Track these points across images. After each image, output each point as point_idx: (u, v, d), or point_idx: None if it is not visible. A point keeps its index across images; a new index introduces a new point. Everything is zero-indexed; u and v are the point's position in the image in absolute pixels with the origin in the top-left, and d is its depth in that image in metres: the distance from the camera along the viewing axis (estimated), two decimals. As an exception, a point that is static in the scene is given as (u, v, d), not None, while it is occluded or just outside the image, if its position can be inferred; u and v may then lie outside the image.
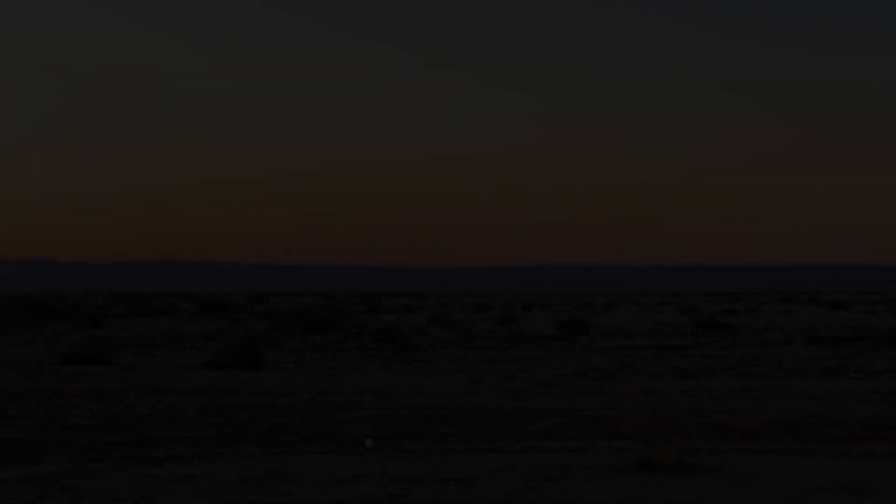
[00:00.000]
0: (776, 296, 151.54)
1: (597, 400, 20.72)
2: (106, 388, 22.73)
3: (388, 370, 28.12)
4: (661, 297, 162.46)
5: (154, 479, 12.28)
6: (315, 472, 12.77)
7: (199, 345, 38.24)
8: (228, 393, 21.98)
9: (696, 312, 61.71)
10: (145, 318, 71.33)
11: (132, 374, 26.35)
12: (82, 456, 13.85)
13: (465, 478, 12.46)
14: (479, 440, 15.46)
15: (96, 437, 15.54)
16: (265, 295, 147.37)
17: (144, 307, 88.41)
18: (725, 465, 13.19)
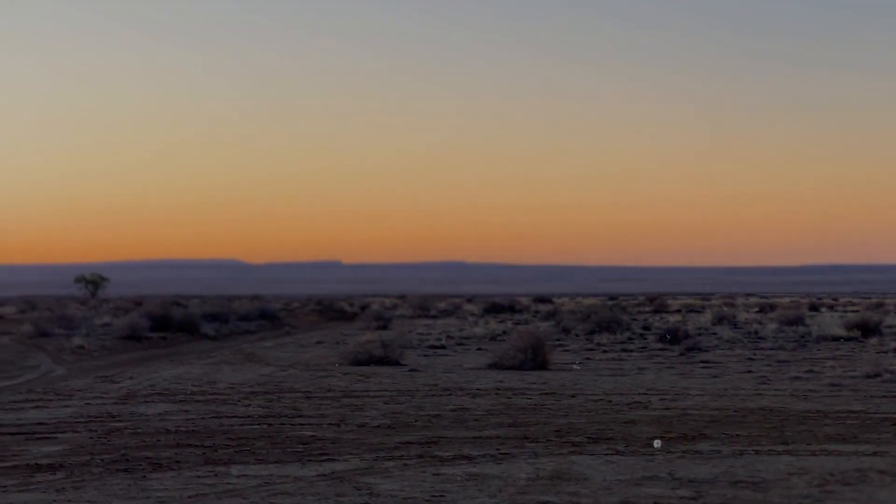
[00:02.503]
0: None
1: (892, 403, 20.10)
2: (395, 389, 23.15)
3: (675, 371, 27.86)
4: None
5: (445, 478, 12.46)
6: (603, 473, 12.74)
7: (485, 346, 38.59)
8: (515, 393, 22.12)
9: None
10: (432, 320, 72.42)
11: (420, 375, 26.76)
12: (374, 454, 14.14)
13: (757, 480, 12.25)
14: (769, 442, 15.18)
15: (387, 437, 15.85)
16: (549, 296, 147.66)
17: (431, 309, 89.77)
18: None
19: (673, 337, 39.66)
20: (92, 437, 15.76)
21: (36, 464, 13.42)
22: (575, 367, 29.31)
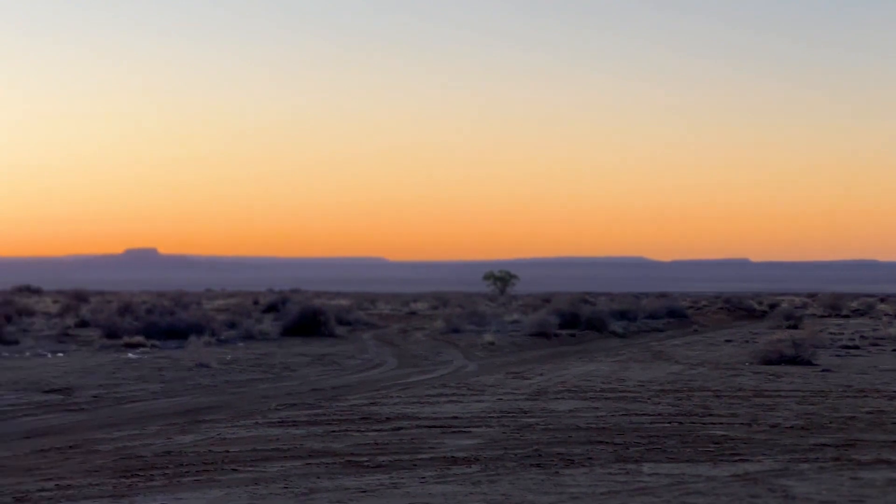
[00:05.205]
0: None
1: None
2: (807, 389, 22.58)
3: None
4: None
5: (863, 482, 12.03)
6: None
7: (901, 346, 37.22)
8: (935, 396, 21.19)
9: None
10: (843, 319, 70.42)
11: (833, 376, 26.02)
12: (788, 456, 13.81)
13: None
14: None
15: (801, 438, 15.45)
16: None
17: (842, 308, 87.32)
18: None
19: None
20: (505, 432, 16.03)
21: (452, 456, 13.75)
22: None
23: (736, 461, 13.39)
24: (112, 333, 40.33)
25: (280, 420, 17.72)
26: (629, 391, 22.19)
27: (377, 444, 14.94)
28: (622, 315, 62.70)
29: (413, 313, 72.78)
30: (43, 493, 11.58)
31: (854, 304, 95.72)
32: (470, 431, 16.14)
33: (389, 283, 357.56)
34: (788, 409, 19.07)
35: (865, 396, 21.22)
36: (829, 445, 14.75)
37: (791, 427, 16.64)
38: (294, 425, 17.00)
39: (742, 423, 17.02)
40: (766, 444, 14.79)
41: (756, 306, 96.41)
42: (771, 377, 25.42)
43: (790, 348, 29.99)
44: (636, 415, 18.13)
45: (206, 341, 38.80)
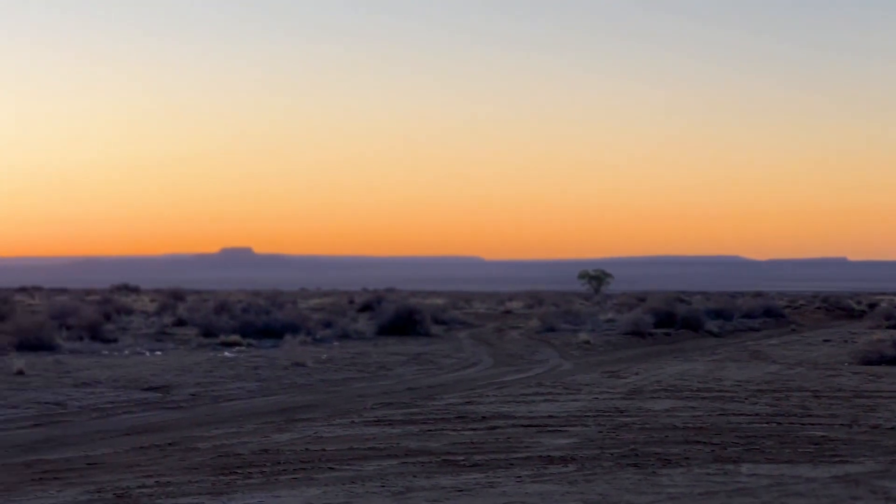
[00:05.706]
0: None
1: None
2: (909, 389, 22.26)
3: None
4: None
5: (968, 484, 11.82)
6: None
7: None
8: None
9: None
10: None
11: (935, 376, 25.62)
12: (890, 457, 13.60)
13: None
14: None
15: (903, 439, 15.21)
16: None
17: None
18: None
19: None
20: (601, 431, 15.95)
21: (548, 456, 13.70)
22: None
23: (836, 462, 13.21)
24: (208, 332, 40.70)
25: (376, 419, 17.77)
26: (726, 391, 22.01)
27: (473, 443, 14.93)
28: (718, 314, 62.25)
29: (508, 312, 72.68)
30: (143, 490, 11.70)
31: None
32: (566, 430, 16.08)
33: (485, 282, 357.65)
34: (889, 409, 18.80)
35: (968, 397, 20.87)
36: (932, 447, 14.52)
37: (892, 428, 16.40)
38: (390, 424, 17.05)
39: (842, 424, 16.80)
40: (867, 446, 14.59)
41: (854, 306, 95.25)
42: (871, 378, 25.09)
43: (891, 348, 29.60)
44: (734, 415, 17.97)
45: (302, 340, 39.03)
